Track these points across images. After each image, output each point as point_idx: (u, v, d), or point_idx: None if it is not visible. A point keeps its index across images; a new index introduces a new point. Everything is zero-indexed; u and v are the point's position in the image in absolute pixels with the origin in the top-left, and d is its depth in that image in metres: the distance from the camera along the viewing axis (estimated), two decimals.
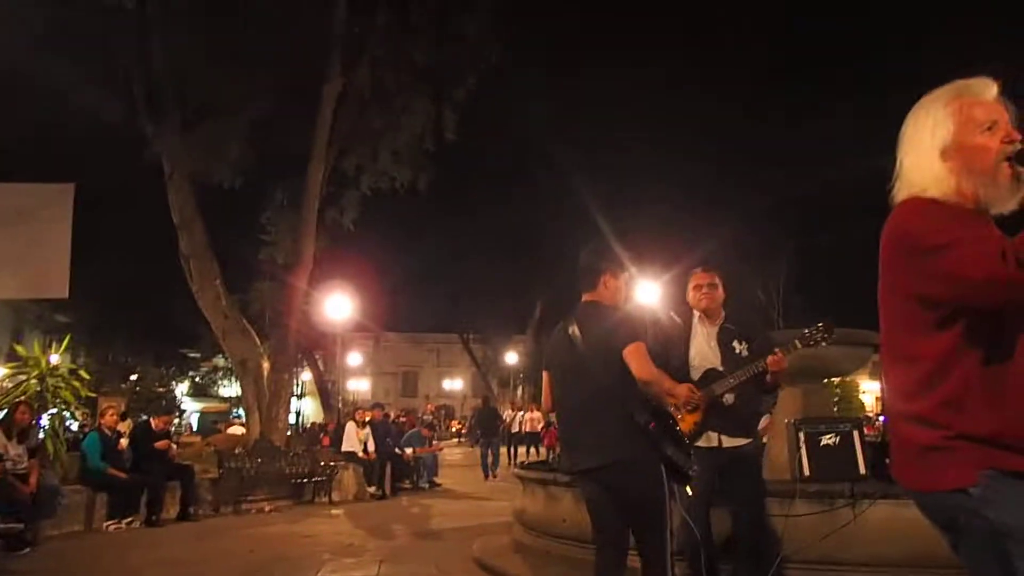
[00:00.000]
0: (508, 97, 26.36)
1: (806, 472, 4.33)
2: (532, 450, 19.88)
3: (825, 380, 6.66)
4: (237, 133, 13.02)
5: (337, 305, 18.26)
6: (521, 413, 20.90)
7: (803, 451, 4.36)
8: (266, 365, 13.27)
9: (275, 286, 14.42)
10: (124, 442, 8.80)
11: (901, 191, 1.79)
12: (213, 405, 41.59)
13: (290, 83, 13.14)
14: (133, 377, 32.68)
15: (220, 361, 39.43)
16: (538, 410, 20.87)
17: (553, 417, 5.41)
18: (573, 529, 5.06)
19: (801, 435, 4.40)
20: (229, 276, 13.89)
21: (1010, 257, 1.49)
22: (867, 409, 33.50)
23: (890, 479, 4.07)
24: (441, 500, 10.87)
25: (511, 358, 37.08)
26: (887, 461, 4.28)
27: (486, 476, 14.71)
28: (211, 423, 30.98)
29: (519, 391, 36.24)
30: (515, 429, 20.41)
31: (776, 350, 3.78)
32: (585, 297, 3.39)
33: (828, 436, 4.37)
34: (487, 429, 16.08)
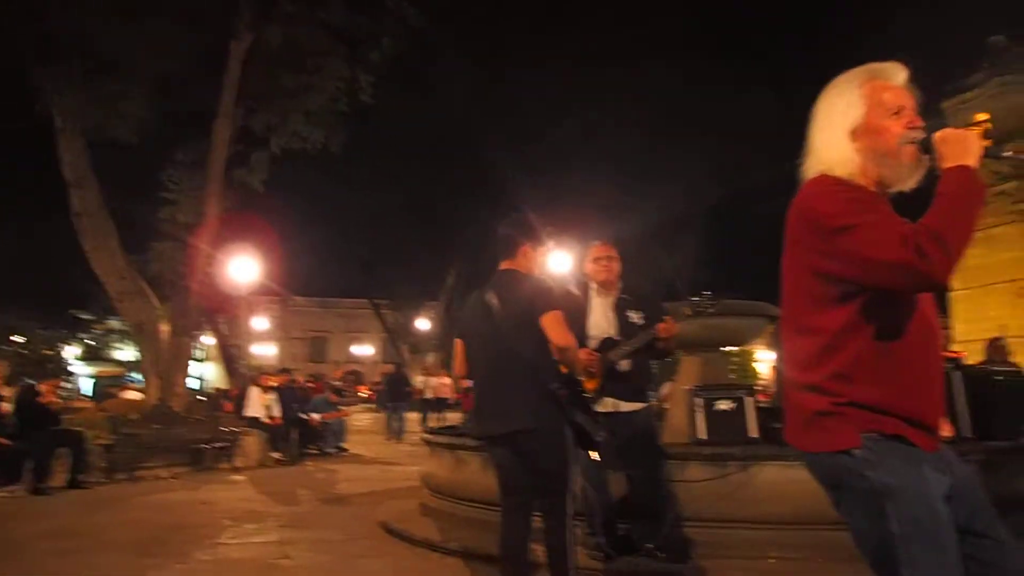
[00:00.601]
0: (427, 61, 25.93)
1: (702, 436, 4.53)
2: (442, 415, 20.02)
3: (724, 349, 6.95)
4: (139, 89, 12.31)
5: (243, 267, 17.64)
6: (432, 379, 20.94)
7: (700, 415, 4.56)
8: (165, 328, 12.76)
9: (176, 247, 13.76)
10: (7, 407, 8.32)
11: (811, 168, 1.87)
12: (108, 369, 39.70)
13: (197, 38, 12.45)
14: (17, 339, 30.78)
15: (115, 323, 37.60)
16: (448, 376, 20.97)
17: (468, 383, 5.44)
18: (480, 492, 5.15)
19: (698, 400, 4.60)
20: (126, 236, 13.23)
21: (911, 243, 1.58)
22: (761, 377, 35.30)
23: (780, 442, 4.33)
24: (348, 465, 10.80)
25: (422, 324, 36.89)
26: (777, 426, 4.55)
27: (388, 438, 15.66)
28: (105, 388, 29.59)
29: (430, 357, 36.19)
30: (427, 395, 20.42)
31: (666, 317, 3.95)
32: (503, 265, 3.41)
33: (723, 402, 4.59)
34: (395, 394, 17.11)
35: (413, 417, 19.86)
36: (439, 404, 20.36)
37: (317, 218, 30.88)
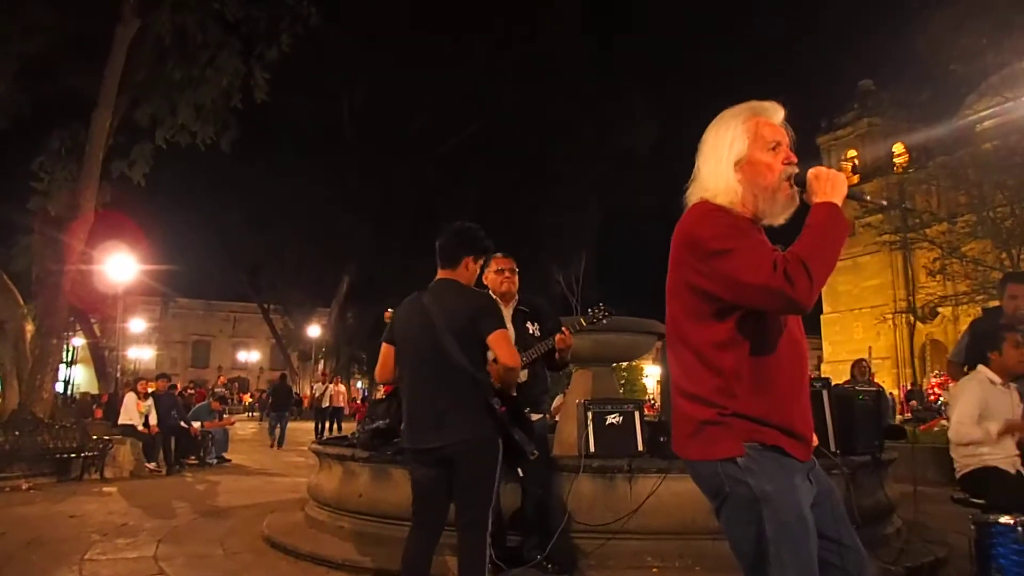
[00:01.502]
0: (327, 62, 25.42)
1: (592, 448, 4.64)
2: (335, 425, 19.41)
3: (614, 364, 7.16)
4: (6, 68, 11.42)
5: (120, 265, 16.72)
6: (330, 387, 20.14)
7: (590, 429, 4.67)
8: (30, 328, 11.87)
9: (46, 241, 12.84)
10: None
11: (695, 193, 2.00)
12: None
13: (77, 18, 11.72)
14: None
15: None
16: (342, 384, 20.43)
17: (375, 390, 5.32)
18: (369, 505, 5.07)
19: (589, 414, 4.72)
20: None
21: (779, 269, 1.72)
22: (649, 392, 36.62)
23: (665, 456, 4.50)
24: (230, 476, 10.35)
25: (313, 331, 35.96)
26: (663, 439, 4.73)
27: (271, 445, 15.78)
28: None
29: (320, 365, 35.31)
30: (324, 404, 19.64)
31: (563, 328, 4.05)
32: (442, 274, 3.34)
33: (613, 416, 4.72)
34: (279, 403, 17.39)
35: (302, 427, 19.31)
36: (335, 413, 19.72)
37: (202, 217, 29.62)
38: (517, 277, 4.36)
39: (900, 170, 27.14)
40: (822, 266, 1.75)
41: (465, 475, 3.09)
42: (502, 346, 3.12)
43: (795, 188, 1.94)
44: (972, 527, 3.22)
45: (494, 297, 3.65)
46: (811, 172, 1.91)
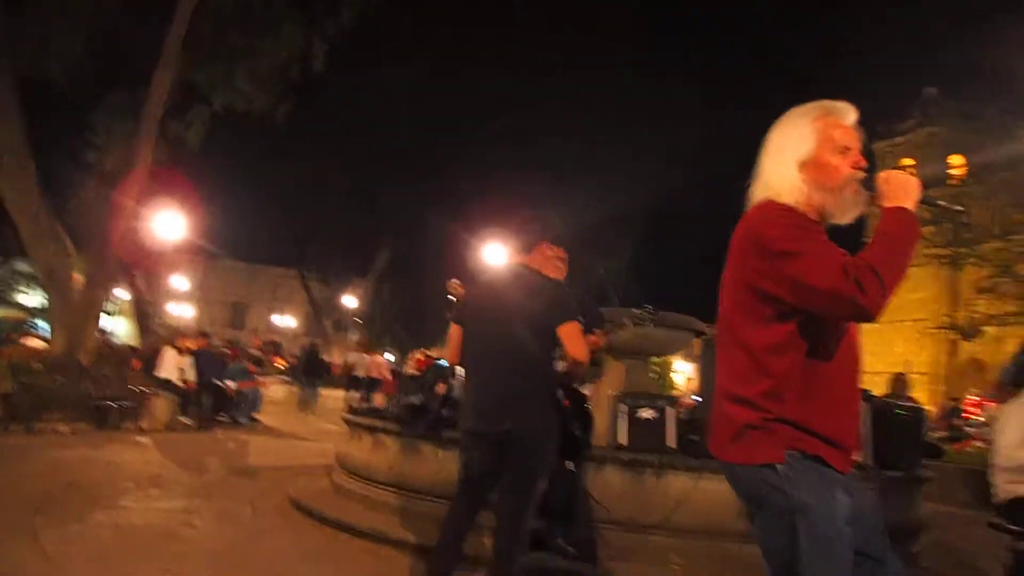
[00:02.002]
0: (383, 39, 25.51)
1: (622, 441, 4.63)
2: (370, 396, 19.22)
3: (648, 358, 7.12)
4: (74, 27, 11.62)
5: (168, 223, 17.03)
6: (366, 357, 19.54)
7: (622, 421, 4.65)
8: (78, 277, 12.17)
9: (99, 195, 13.12)
10: None
11: (758, 192, 1.95)
12: (9, 313, 37.67)
13: None
14: None
15: (22, 266, 35.66)
16: (380, 356, 20.25)
17: (405, 365, 5.34)
18: (396, 478, 5.13)
19: (622, 407, 4.69)
20: (47, 177, 12.52)
21: (851, 275, 1.67)
22: (679, 387, 36.36)
23: (695, 454, 4.46)
24: (260, 437, 10.57)
25: (349, 301, 36.30)
26: (694, 438, 4.70)
27: (301, 410, 16.32)
28: (4, 333, 28.02)
29: (354, 335, 35.69)
30: (359, 373, 19.04)
31: (595, 330, 3.98)
32: (516, 259, 3.33)
33: (646, 410, 4.69)
34: (310, 369, 18.35)
35: (333, 395, 19.51)
36: (371, 384, 18.90)
37: (251, 182, 30.02)
38: (566, 267, 4.31)
39: (957, 183, 26.31)
40: (894, 273, 1.70)
41: (519, 461, 3.08)
42: (572, 339, 3.08)
43: (862, 191, 1.89)
44: (1010, 554, 3.14)
45: (560, 283, 3.61)
46: (882, 176, 1.86)
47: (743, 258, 1.88)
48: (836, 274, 1.68)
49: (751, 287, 1.85)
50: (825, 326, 1.82)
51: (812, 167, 1.89)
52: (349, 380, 19.44)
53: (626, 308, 4.34)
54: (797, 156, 1.90)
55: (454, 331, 3.42)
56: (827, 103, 1.96)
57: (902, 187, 1.82)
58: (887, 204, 1.82)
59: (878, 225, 1.80)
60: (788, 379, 1.79)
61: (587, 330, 4.09)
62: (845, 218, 1.92)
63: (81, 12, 11.45)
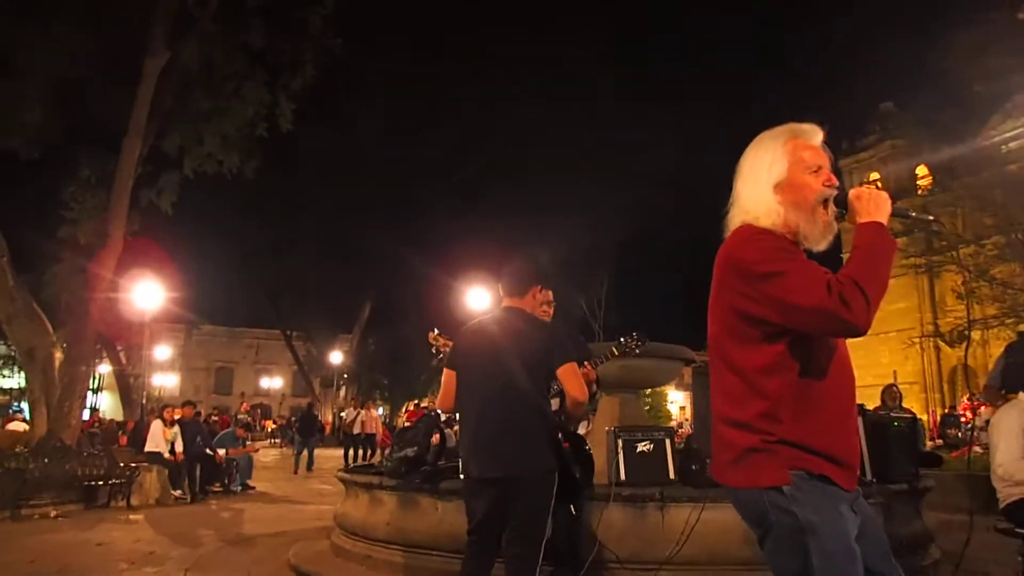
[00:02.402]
0: (350, 91, 25.87)
1: (622, 476, 4.58)
2: (367, 452, 18.44)
3: (639, 391, 7.10)
4: (40, 96, 11.67)
5: (147, 293, 16.93)
6: (361, 412, 19.25)
7: (620, 456, 4.61)
8: (58, 355, 12.00)
9: (74, 269, 13.05)
10: None
11: (735, 217, 1.97)
12: None
13: (108, 49, 11.99)
14: None
15: (0, 348, 35.14)
16: (373, 409, 19.98)
17: (396, 417, 5.26)
18: (396, 533, 5.03)
19: (619, 442, 4.66)
20: (19, 254, 12.44)
21: (835, 291, 1.69)
22: (674, 418, 36.25)
23: (696, 484, 4.42)
24: (255, 504, 10.34)
25: (335, 357, 36.06)
26: (693, 467, 4.66)
27: (295, 471, 16.10)
28: None
29: (342, 392, 35.37)
30: (356, 430, 18.68)
31: (586, 363, 3.97)
32: (508, 303, 3.34)
33: (643, 443, 4.67)
34: (305, 429, 17.73)
35: (325, 454, 19.20)
36: (367, 441, 18.67)
37: (226, 244, 30.04)
38: (552, 309, 4.31)
39: (924, 192, 26.82)
40: (876, 286, 1.72)
41: (521, 507, 3.05)
42: (571, 379, 3.08)
43: (833, 211, 1.92)
44: (1020, 558, 3.12)
45: (554, 325, 3.59)
46: (852, 192, 1.89)
47: (726, 282, 1.89)
48: (820, 291, 1.70)
49: (737, 310, 1.86)
50: (814, 344, 1.83)
51: (786, 188, 1.92)
52: (345, 438, 18.98)
53: (608, 342, 4.33)
54: (771, 179, 1.93)
55: (447, 377, 3.39)
56: (795, 126, 2.01)
57: (874, 202, 1.85)
58: (861, 220, 1.85)
59: (854, 240, 1.83)
60: (782, 399, 1.80)
61: (577, 364, 4.08)
62: (819, 243, 1.94)
63: (44, 81, 11.49)
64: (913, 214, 2.15)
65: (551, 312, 4.28)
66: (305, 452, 16.78)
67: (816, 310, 1.70)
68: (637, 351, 3.99)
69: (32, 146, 12.14)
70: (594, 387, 4.13)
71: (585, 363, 3.97)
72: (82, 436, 12.48)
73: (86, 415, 18.29)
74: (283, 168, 24.65)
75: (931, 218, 2.29)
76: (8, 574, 5.43)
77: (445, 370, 3.41)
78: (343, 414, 20.10)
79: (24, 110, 11.56)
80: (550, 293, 4.29)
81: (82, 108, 12.60)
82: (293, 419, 31.46)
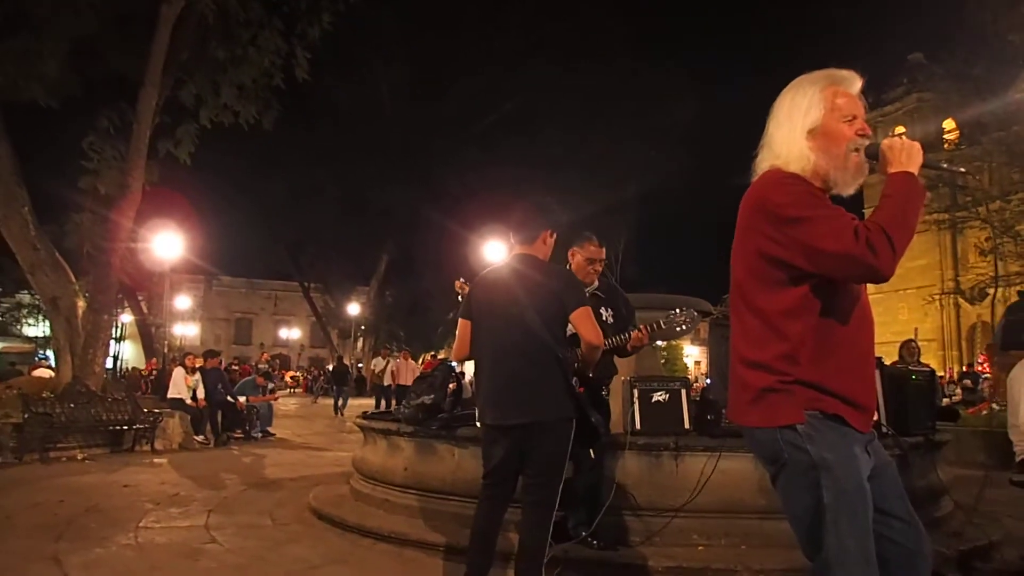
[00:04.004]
0: (364, 42, 25.50)
1: (638, 426, 4.62)
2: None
3: (656, 344, 7.10)
4: (56, 49, 11.61)
5: (167, 243, 17.07)
6: (390, 361, 18.36)
7: (636, 406, 4.64)
8: (81, 304, 12.18)
9: (96, 219, 13.13)
10: None
11: (765, 160, 1.97)
12: (15, 345, 37.85)
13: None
14: None
15: (25, 298, 35.79)
16: (410, 358, 19.57)
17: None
18: (413, 479, 5.13)
19: (635, 391, 4.68)
20: (42, 204, 12.56)
21: (862, 237, 1.70)
22: (689, 371, 36.42)
23: (710, 434, 4.45)
24: (275, 450, 10.57)
25: (353, 309, 36.34)
26: (708, 417, 4.69)
27: (335, 413, 18.34)
28: (11, 365, 28.13)
29: (359, 343, 35.74)
30: (387, 382, 17.89)
31: (640, 326, 3.94)
32: (520, 250, 3.32)
33: (659, 393, 4.68)
34: (338, 379, 20.75)
35: (352, 404, 19.48)
36: (400, 392, 16.81)
37: (245, 196, 30.08)
38: (600, 265, 4.25)
39: (951, 147, 26.25)
40: (903, 235, 1.73)
41: (539, 453, 3.08)
42: (585, 323, 3.07)
43: (866, 159, 1.92)
44: None
45: (568, 271, 3.54)
46: (885, 142, 1.90)
47: (753, 225, 1.90)
48: (848, 237, 1.72)
49: (762, 253, 1.87)
50: (837, 289, 1.85)
51: (820, 135, 1.91)
52: (375, 389, 18.54)
53: (638, 295, 4.24)
54: (806, 124, 1.92)
55: (462, 326, 3.40)
56: (834, 72, 1.99)
57: (906, 152, 1.86)
58: (892, 169, 1.86)
59: (884, 189, 1.83)
60: (803, 342, 1.82)
61: (622, 327, 4.03)
62: (848, 188, 1.95)
63: (60, 33, 11.42)
64: (945, 165, 2.14)
65: (599, 270, 4.20)
66: (340, 399, 19.34)
67: (843, 255, 1.72)
68: (685, 327, 3.91)
69: (51, 97, 12.13)
70: (638, 351, 4.07)
71: (640, 326, 3.94)
72: (107, 383, 12.75)
73: (109, 363, 18.66)
74: (301, 120, 24.51)
75: (962, 170, 2.28)
76: (39, 512, 5.60)
77: (460, 320, 3.41)
78: (373, 364, 20.03)
79: (41, 64, 11.52)
80: (601, 251, 4.19)
81: (99, 59, 12.52)
82: (320, 372, 35.02)
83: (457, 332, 3.44)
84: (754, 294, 1.90)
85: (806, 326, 1.83)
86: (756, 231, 1.88)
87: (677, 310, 3.86)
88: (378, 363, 19.65)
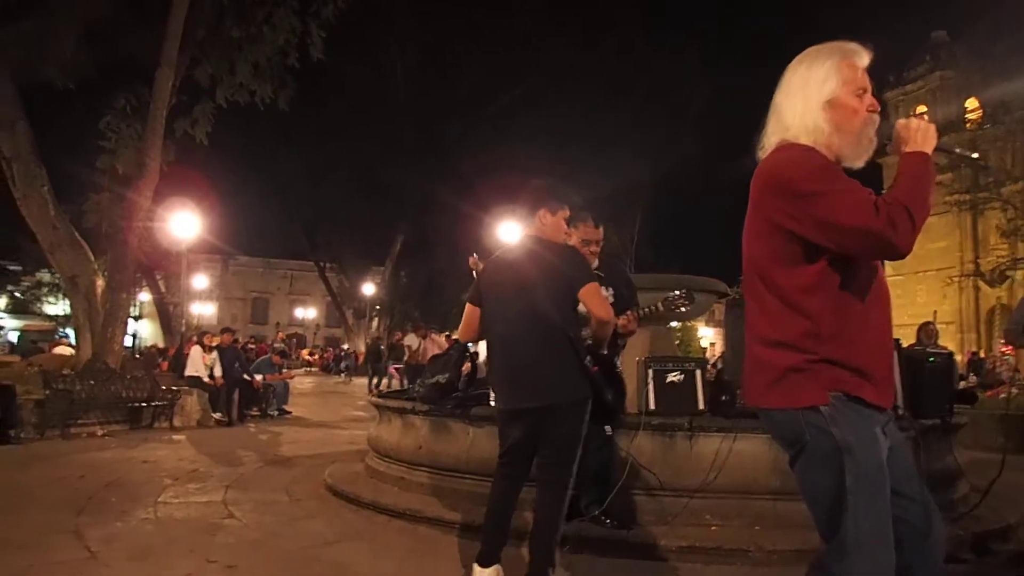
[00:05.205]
0: (379, 22, 25.37)
1: (652, 406, 4.61)
2: None
3: (671, 324, 7.09)
4: (70, 30, 11.64)
5: (184, 223, 17.16)
6: (422, 342, 17.25)
7: (651, 387, 4.64)
8: (100, 283, 12.31)
9: (114, 198, 13.23)
10: None
11: (774, 132, 1.93)
12: (36, 323, 38.36)
13: None
14: None
15: (46, 276, 36.20)
16: (440, 336, 19.08)
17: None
18: (428, 457, 5.16)
19: (650, 371, 4.68)
20: (61, 184, 12.68)
21: (883, 212, 1.68)
22: (704, 352, 36.30)
23: (724, 415, 4.44)
24: (291, 428, 10.68)
25: (368, 289, 36.48)
26: (723, 399, 4.67)
27: (369, 391, 17.75)
28: (32, 342, 28.54)
29: (375, 323, 35.90)
30: (420, 359, 16.51)
31: (629, 313, 3.93)
32: (527, 231, 3.34)
33: (674, 374, 4.68)
34: (373, 360, 21.88)
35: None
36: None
37: (261, 176, 30.20)
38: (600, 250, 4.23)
39: (973, 126, 25.82)
40: (921, 211, 1.72)
41: (554, 434, 3.09)
42: (595, 299, 3.06)
43: (876, 138, 1.90)
44: None
45: (573, 248, 3.53)
46: (901, 122, 1.88)
47: (767, 201, 1.87)
48: (867, 211, 1.69)
49: (778, 229, 1.84)
50: (855, 264, 1.82)
51: (835, 107, 1.88)
52: (409, 370, 16.70)
53: (648, 276, 4.24)
54: (822, 96, 1.88)
55: (468, 311, 3.42)
56: (844, 44, 1.95)
57: (922, 133, 1.85)
58: (908, 149, 1.84)
59: (900, 167, 1.82)
60: (823, 317, 1.79)
61: (623, 308, 4.02)
62: (858, 162, 1.93)
63: (75, 14, 11.44)
64: (958, 150, 2.12)
65: (598, 253, 4.18)
66: (376, 378, 20.21)
67: (862, 230, 1.70)
68: (684, 309, 3.90)
69: (67, 78, 12.19)
70: (631, 334, 4.07)
71: (628, 312, 3.94)
72: (126, 360, 12.91)
73: (128, 341, 18.84)
74: (316, 100, 24.50)
75: (975, 156, 2.26)
76: (60, 487, 5.70)
77: (468, 304, 3.43)
78: (406, 342, 19.00)
79: (56, 46, 11.56)
80: (597, 233, 4.15)
81: (115, 39, 12.55)
82: (339, 351, 37.09)
83: (464, 315, 3.45)
84: (771, 271, 1.87)
85: (826, 301, 1.80)
86: (770, 207, 1.85)
87: (676, 292, 3.85)
88: (412, 340, 18.45)
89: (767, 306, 1.88)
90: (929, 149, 1.85)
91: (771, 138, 1.93)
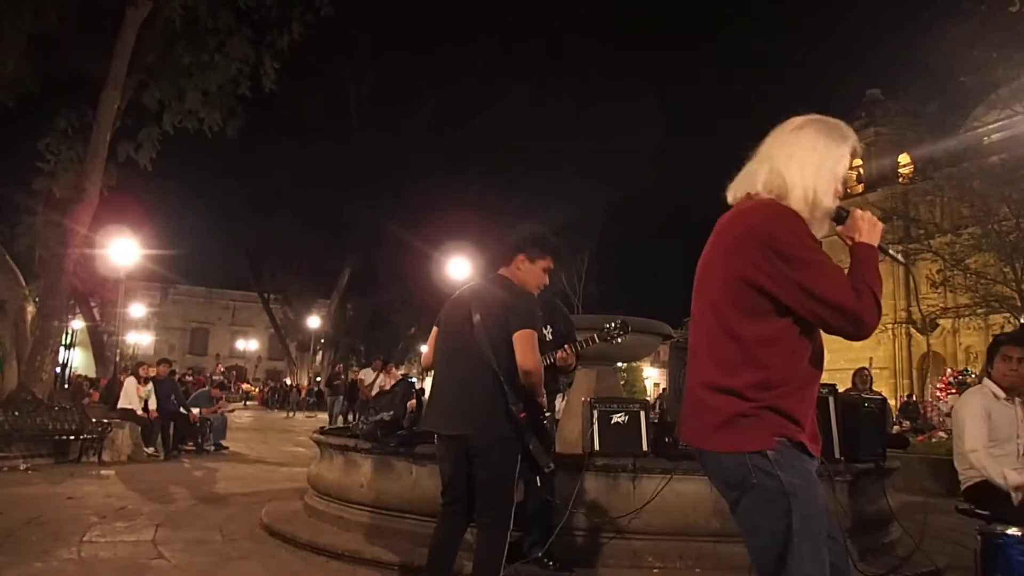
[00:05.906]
0: (336, 52, 25.44)
1: (596, 447, 4.63)
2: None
3: (617, 364, 7.15)
4: (12, 44, 11.35)
5: (123, 249, 16.68)
6: (379, 375, 16.21)
7: (595, 427, 4.65)
8: (31, 309, 11.84)
9: (49, 222, 12.81)
10: None
11: (764, 185, 1.97)
12: None
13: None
14: None
15: None
16: (395, 370, 18.66)
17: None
18: (370, 496, 5.06)
19: (595, 412, 4.70)
20: None
21: (864, 297, 1.80)
22: (648, 393, 36.65)
23: (668, 456, 4.48)
24: (228, 464, 10.34)
25: (313, 322, 35.89)
26: (666, 440, 4.72)
27: (329, 423, 18.00)
28: None
29: (319, 356, 35.29)
30: (375, 392, 15.11)
31: (565, 346, 4.00)
32: (498, 271, 3.39)
33: (619, 415, 4.71)
34: (333, 391, 21.92)
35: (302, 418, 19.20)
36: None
37: (206, 203, 29.70)
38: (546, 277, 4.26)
39: (905, 180, 27.03)
40: (879, 299, 1.85)
41: (484, 473, 3.09)
42: (522, 347, 3.08)
43: (831, 220, 2.01)
44: (978, 537, 3.21)
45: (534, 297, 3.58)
46: (857, 211, 2.01)
47: (744, 252, 1.89)
48: (849, 292, 1.81)
49: (748, 282, 1.88)
50: (810, 324, 1.90)
51: (826, 190, 1.97)
52: (359, 404, 16.36)
53: (587, 315, 4.34)
54: (833, 178, 1.98)
55: (433, 335, 3.49)
56: (853, 136, 2.05)
57: (873, 227, 1.98)
58: (861, 239, 1.97)
59: (858, 255, 1.95)
60: (776, 370, 1.86)
61: (560, 343, 4.08)
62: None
63: (18, 27, 11.16)
64: (891, 252, 2.23)
65: (546, 279, 4.23)
66: (337, 407, 20.24)
67: (842, 308, 1.80)
68: (618, 339, 3.98)
69: (7, 93, 11.85)
70: (573, 372, 4.14)
71: (566, 346, 4.00)
72: (54, 391, 12.37)
73: (57, 370, 18.05)
74: (267, 129, 24.32)
75: (904, 262, 2.43)
76: None
77: (434, 327, 3.51)
78: (361, 376, 18.00)
79: None
80: (548, 260, 4.21)
81: (60, 58, 12.30)
82: (277, 385, 35.64)
83: (429, 340, 3.53)
84: (732, 320, 1.91)
85: (780, 354, 1.87)
86: (746, 258, 1.88)
87: (611, 323, 3.93)
88: (367, 374, 17.40)
89: (721, 352, 1.92)
90: (876, 242, 1.98)
91: (756, 187, 1.98)
